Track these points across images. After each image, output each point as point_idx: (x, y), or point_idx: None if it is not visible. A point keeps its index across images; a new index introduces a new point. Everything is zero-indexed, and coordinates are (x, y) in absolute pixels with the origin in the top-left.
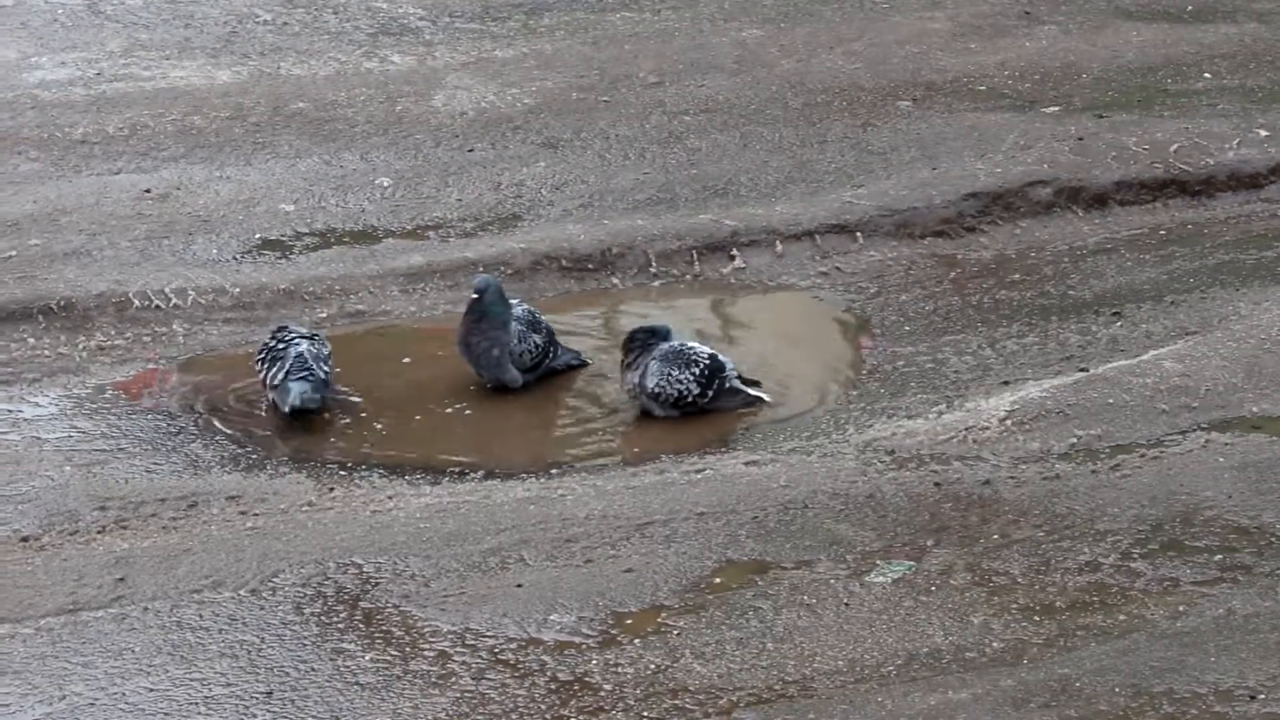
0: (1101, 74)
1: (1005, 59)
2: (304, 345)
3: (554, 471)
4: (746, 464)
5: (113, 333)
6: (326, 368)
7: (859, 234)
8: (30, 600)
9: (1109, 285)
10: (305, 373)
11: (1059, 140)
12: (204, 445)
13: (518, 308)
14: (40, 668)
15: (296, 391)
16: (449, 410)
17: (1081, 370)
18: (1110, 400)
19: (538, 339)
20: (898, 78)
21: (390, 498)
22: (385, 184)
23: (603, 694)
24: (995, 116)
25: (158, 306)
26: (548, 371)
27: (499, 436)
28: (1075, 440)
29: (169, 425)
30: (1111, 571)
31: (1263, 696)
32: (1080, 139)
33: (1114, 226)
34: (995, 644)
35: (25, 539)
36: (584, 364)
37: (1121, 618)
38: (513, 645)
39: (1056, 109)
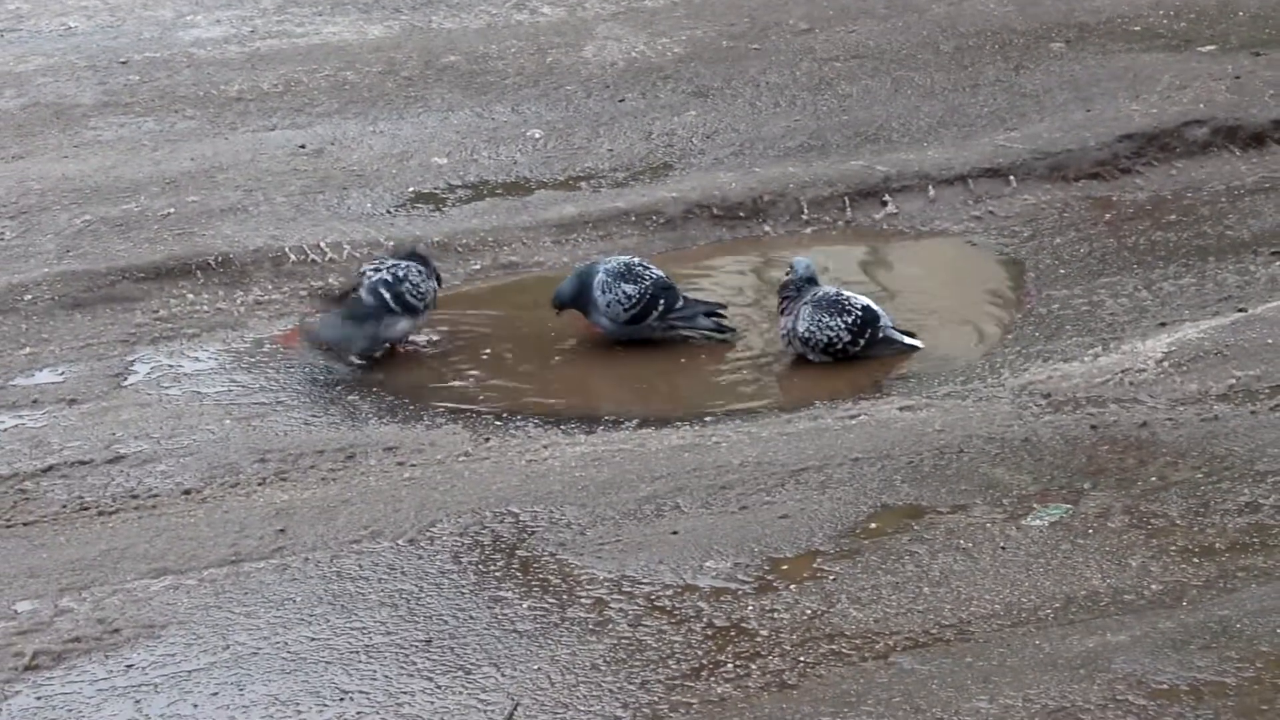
0: (1259, 11)
1: None
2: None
3: (708, 419)
4: (901, 409)
5: (270, 287)
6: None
7: (1012, 177)
8: (193, 552)
9: (1267, 224)
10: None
11: (1215, 79)
12: (361, 397)
13: (618, 259)
14: (204, 618)
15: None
16: (601, 359)
17: (1240, 310)
18: (1270, 340)
19: (628, 288)
20: (1050, 19)
21: (545, 447)
22: (537, 135)
23: (759, 639)
24: (1150, 56)
25: (313, 260)
26: (675, 327)
27: (652, 385)
28: (1234, 381)
29: (326, 378)
30: (1272, 512)
31: None
32: (1237, 77)
33: (1272, 165)
34: (1154, 586)
35: (187, 492)
36: (723, 331)
37: None
38: (669, 592)
39: (1212, 48)
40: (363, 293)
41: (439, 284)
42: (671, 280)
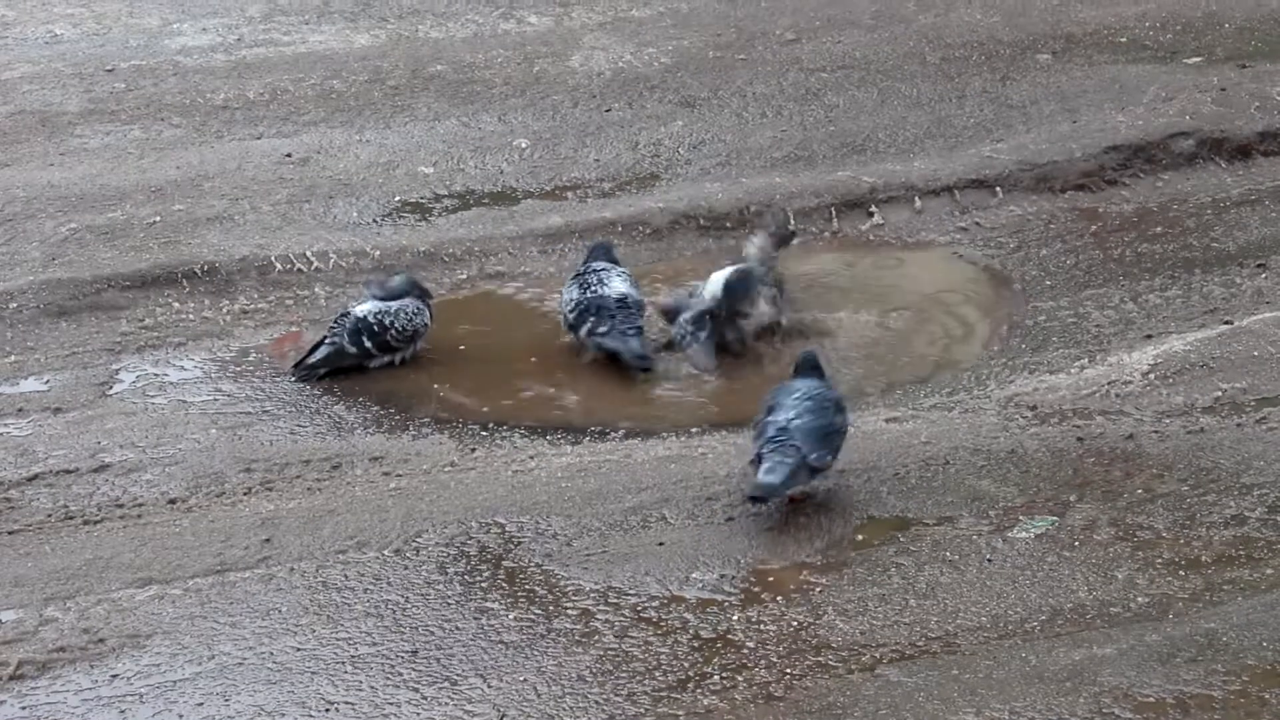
0: (1244, 23)
1: (1146, 9)
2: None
3: (694, 430)
4: (887, 421)
5: (255, 296)
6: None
7: (998, 188)
8: (179, 561)
9: (1253, 237)
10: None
11: (1201, 91)
12: (347, 407)
13: (604, 266)
14: (189, 628)
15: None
16: (587, 369)
17: (1226, 323)
18: (1255, 353)
19: (571, 293)
20: (1037, 30)
21: (532, 457)
22: (523, 145)
23: (745, 651)
24: (1136, 68)
25: (300, 270)
26: (599, 347)
27: (638, 395)
28: (1220, 393)
29: (312, 387)
30: (1258, 525)
31: None
32: (1223, 89)
33: (1258, 178)
34: (1140, 599)
35: (173, 501)
36: (642, 367)
37: (1269, 571)
38: (655, 603)
39: (1198, 59)
40: (344, 337)
41: (431, 314)
42: (625, 301)
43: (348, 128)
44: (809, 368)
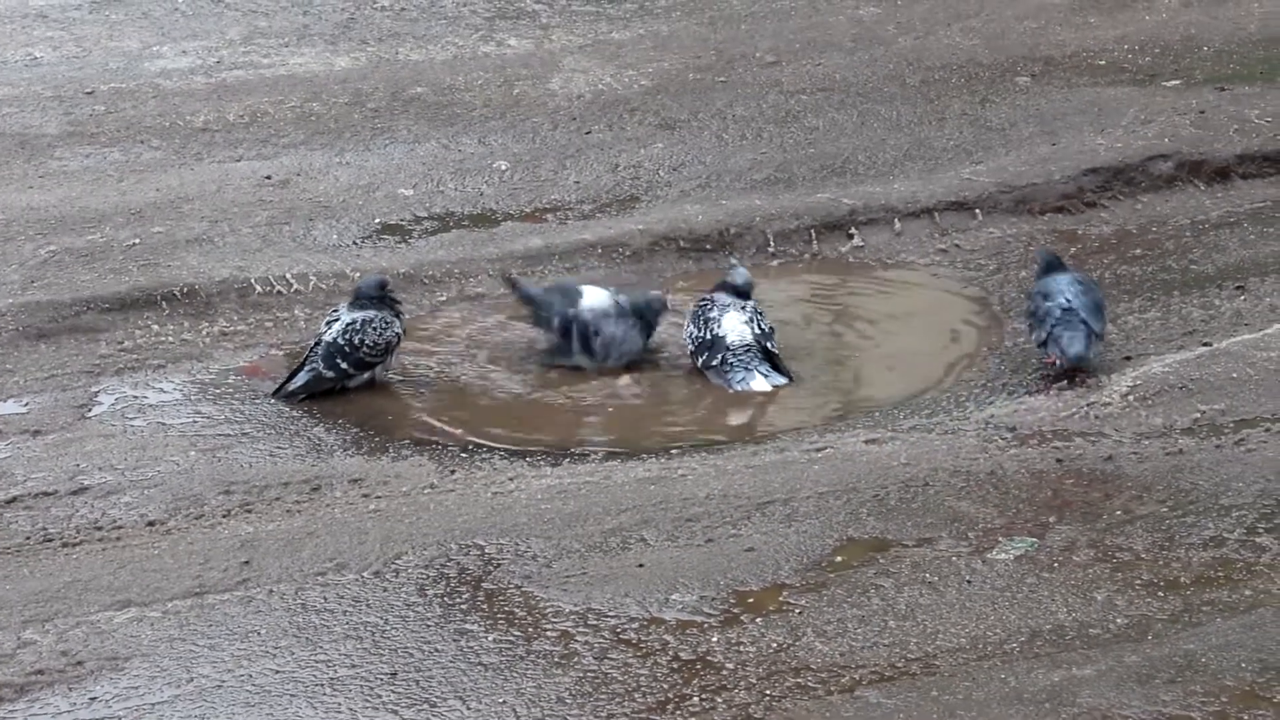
0: (1223, 46)
1: (1125, 32)
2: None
3: (674, 451)
4: (867, 442)
5: (235, 318)
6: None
7: (978, 211)
8: (157, 584)
9: (1232, 259)
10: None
11: (1180, 114)
12: (326, 429)
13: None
14: (168, 650)
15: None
16: (567, 389)
17: (1204, 345)
18: (1234, 375)
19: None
20: (1016, 53)
21: (511, 479)
22: (503, 167)
23: (725, 673)
24: (1115, 91)
25: (279, 292)
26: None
27: (618, 416)
28: (1199, 415)
29: (291, 409)
30: (1236, 546)
31: None
32: (1202, 112)
33: (1236, 200)
34: (1119, 620)
35: (152, 523)
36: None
37: (1247, 593)
38: (634, 625)
39: (1177, 82)
40: (320, 363)
41: (402, 324)
42: (558, 303)
43: (327, 150)
44: (1056, 263)
